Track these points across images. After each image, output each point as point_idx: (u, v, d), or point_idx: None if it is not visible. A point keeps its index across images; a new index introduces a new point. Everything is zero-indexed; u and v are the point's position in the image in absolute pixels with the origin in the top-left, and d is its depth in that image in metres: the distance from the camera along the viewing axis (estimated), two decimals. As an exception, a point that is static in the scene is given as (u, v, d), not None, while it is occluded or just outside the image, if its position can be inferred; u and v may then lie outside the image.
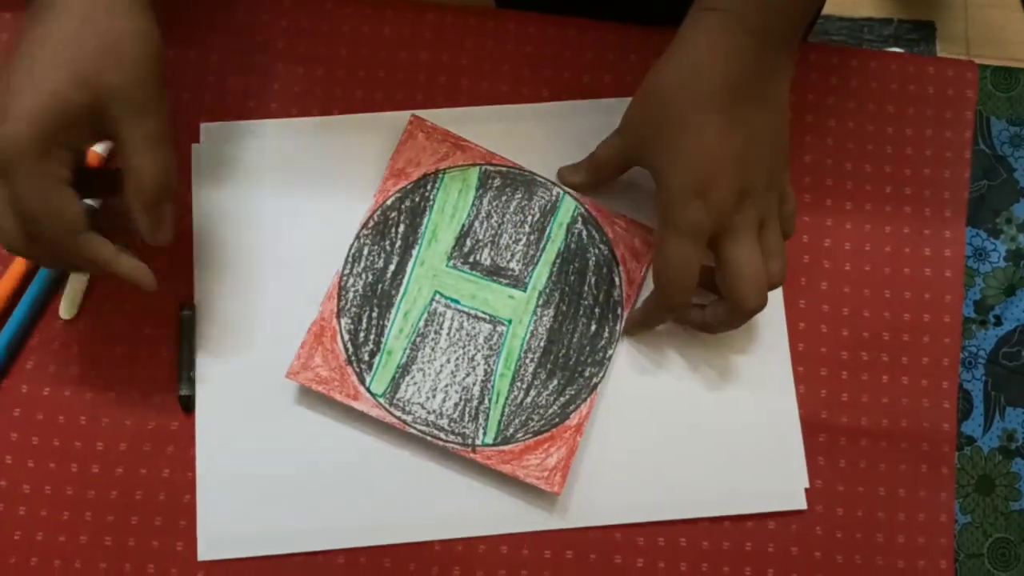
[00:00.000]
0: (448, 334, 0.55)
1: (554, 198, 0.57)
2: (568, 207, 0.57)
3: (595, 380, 0.55)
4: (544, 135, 0.58)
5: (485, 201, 0.57)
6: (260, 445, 0.54)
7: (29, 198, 0.43)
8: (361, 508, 0.54)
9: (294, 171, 0.57)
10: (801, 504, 0.56)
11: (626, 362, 0.56)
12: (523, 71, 0.60)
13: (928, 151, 0.60)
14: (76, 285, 0.56)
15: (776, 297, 0.57)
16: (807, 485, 0.56)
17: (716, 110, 0.48)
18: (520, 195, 0.57)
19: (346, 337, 0.54)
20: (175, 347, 0.55)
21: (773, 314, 0.57)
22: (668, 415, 0.56)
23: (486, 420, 0.54)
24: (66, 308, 0.55)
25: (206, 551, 0.53)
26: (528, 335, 0.55)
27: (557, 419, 0.54)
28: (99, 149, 0.57)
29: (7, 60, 0.44)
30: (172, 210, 0.47)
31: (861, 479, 0.57)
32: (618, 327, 0.56)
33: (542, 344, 0.55)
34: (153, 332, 0.56)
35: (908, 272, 0.59)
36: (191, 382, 0.55)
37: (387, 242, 0.56)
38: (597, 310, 0.56)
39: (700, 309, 0.54)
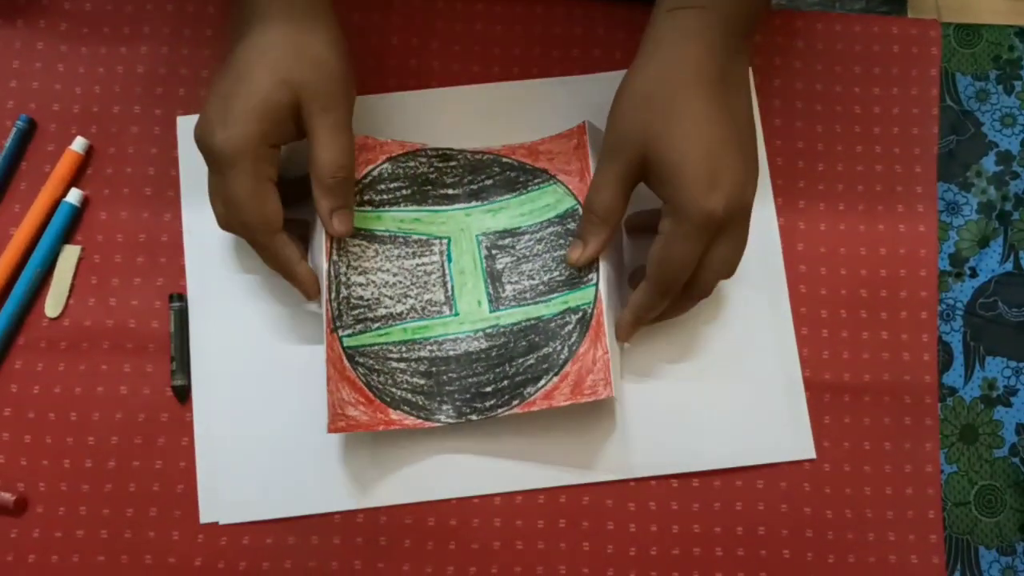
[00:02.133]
0: (415, 266, 0.55)
1: (586, 279, 0.53)
2: (585, 295, 0.53)
3: (412, 417, 0.53)
4: (520, 111, 0.59)
5: (551, 229, 0.55)
6: (256, 423, 0.55)
7: (241, 192, 0.49)
8: (351, 474, 0.55)
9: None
10: (811, 454, 0.57)
11: (642, 335, 0.55)
12: (493, 51, 0.60)
13: (896, 109, 0.61)
14: (61, 284, 0.56)
15: (776, 259, 0.58)
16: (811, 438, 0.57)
17: (711, 99, 0.49)
18: None
19: (374, 172, 0.55)
20: (160, 339, 0.56)
21: (774, 276, 0.58)
22: (682, 380, 0.57)
23: (361, 333, 0.53)
24: (52, 306, 0.56)
25: (207, 515, 0.54)
26: (450, 338, 0.54)
27: (387, 400, 0.53)
28: (78, 149, 0.57)
29: (219, 69, 0.51)
30: (352, 203, 0.52)
31: (847, 434, 0.57)
32: (475, 416, 0.53)
33: (446, 355, 0.54)
34: (138, 326, 0.56)
35: (882, 228, 0.59)
36: (186, 372, 0.55)
37: (474, 175, 0.57)
38: (504, 384, 0.53)
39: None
